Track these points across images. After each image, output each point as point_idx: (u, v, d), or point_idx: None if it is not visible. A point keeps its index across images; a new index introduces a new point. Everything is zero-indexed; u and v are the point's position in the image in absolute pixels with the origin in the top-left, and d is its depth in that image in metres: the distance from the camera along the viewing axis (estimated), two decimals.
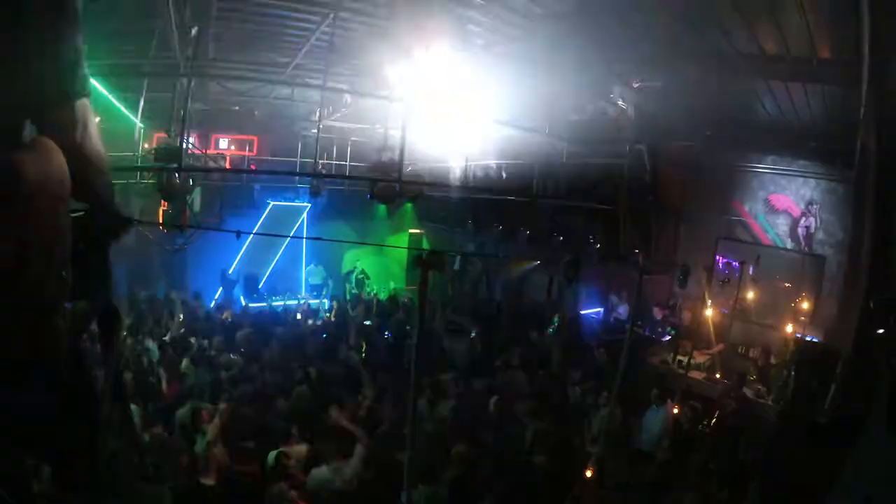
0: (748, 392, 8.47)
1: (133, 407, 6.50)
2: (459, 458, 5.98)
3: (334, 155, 15.59)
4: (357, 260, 16.51)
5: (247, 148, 16.29)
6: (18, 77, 0.97)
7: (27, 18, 0.96)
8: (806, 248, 9.82)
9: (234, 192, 15.35)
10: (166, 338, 9.84)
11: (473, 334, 10.59)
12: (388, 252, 16.56)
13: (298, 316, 12.93)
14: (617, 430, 7.16)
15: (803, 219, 9.81)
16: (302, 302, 14.37)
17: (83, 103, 1.13)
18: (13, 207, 0.87)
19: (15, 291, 0.90)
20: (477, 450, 6.29)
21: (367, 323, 11.36)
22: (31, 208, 0.90)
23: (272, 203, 15.74)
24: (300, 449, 6.01)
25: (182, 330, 10.41)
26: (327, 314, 13.47)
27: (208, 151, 14.55)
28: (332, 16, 7.48)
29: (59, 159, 0.98)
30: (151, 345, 9.29)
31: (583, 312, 13.17)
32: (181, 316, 11.32)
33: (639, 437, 7.47)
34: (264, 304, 14.04)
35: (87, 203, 1.19)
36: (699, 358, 9.56)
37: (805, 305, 9.56)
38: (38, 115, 1.06)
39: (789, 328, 9.24)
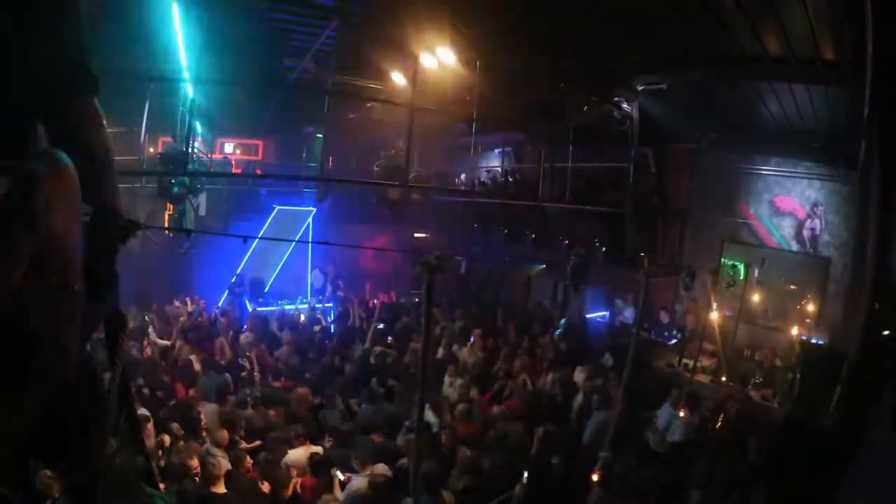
0: (753, 395, 8.44)
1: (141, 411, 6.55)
2: (467, 464, 5.97)
3: (340, 159, 15.60)
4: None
5: (252, 152, 16.38)
6: (25, 75, 0.97)
7: (29, 16, 0.97)
8: (811, 250, 9.78)
9: (240, 196, 15.40)
10: (168, 341, 9.86)
11: (472, 340, 10.55)
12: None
13: (303, 318, 12.96)
14: (623, 433, 7.13)
15: (808, 221, 9.77)
16: (307, 305, 14.40)
17: (91, 101, 1.14)
18: (26, 221, 0.86)
19: (28, 305, 0.89)
20: (485, 456, 6.27)
21: (381, 326, 11.30)
22: (43, 222, 0.89)
23: (278, 207, 15.77)
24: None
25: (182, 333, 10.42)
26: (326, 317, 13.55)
27: (214, 155, 14.61)
28: (335, 20, 7.52)
29: (71, 171, 0.99)
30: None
31: (589, 316, 13.14)
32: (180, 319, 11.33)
33: (648, 436, 7.47)
34: (271, 307, 14.07)
35: (93, 205, 1.20)
36: (705, 361, 9.54)
37: (810, 307, 9.51)
38: (47, 112, 1.06)
39: (795, 330, 9.18)
